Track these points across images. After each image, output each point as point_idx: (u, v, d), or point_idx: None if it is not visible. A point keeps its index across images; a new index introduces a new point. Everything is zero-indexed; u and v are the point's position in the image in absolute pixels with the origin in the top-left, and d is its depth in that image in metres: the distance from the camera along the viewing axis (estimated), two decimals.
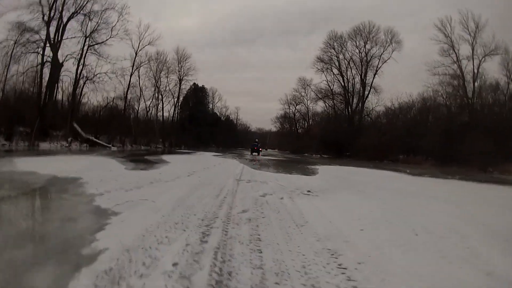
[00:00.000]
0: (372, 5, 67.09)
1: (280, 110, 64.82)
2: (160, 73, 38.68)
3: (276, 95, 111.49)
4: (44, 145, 23.21)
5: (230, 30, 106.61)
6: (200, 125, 45.98)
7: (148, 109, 37.74)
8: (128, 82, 32.46)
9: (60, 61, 27.33)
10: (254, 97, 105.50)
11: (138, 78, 36.14)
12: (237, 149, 61.77)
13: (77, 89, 28.54)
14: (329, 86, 42.38)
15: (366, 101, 38.87)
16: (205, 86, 50.26)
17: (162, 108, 40.59)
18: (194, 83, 48.05)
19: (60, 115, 28.04)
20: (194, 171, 9.45)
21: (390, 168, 18.48)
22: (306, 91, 49.94)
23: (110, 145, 26.63)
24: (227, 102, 71.79)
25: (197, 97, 48.63)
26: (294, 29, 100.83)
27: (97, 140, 26.59)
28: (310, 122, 53.49)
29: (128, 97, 32.94)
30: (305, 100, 51.35)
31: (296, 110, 57.55)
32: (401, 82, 48.25)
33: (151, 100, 38.43)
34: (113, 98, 29.21)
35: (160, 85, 39.68)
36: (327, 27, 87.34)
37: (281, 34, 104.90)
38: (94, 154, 17.23)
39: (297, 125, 59.63)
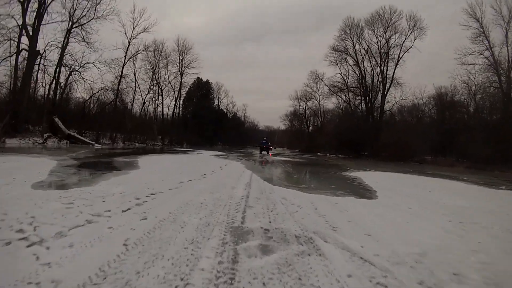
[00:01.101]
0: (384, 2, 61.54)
1: (290, 107, 59.85)
2: (158, 63, 34.10)
3: (284, 93, 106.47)
4: (12, 142, 18.81)
5: (236, 28, 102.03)
6: (204, 121, 41.40)
7: (144, 102, 33.23)
8: (120, 73, 27.90)
9: (41, 49, 22.98)
10: (261, 95, 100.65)
11: (133, 69, 31.74)
12: (245, 147, 57.19)
13: (59, 79, 24.15)
14: (343, 79, 37.32)
15: (387, 94, 33.60)
16: (210, 81, 45.47)
17: (162, 102, 36.06)
18: (198, 77, 43.50)
19: (39, 109, 23.76)
20: (155, 193, 4.69)
21: (439, 174, 13.73)
22: (318, 86, 44.94)
23: (93, 142, 22.07)
24: (233, 98, 67.27)
25: (201, 92, 43.97)
26: (302, 25, 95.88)
27: (79, 137, 22.07)
28: (322, 120, 48.40)
29: (121, 89, 28.41)
30: (317, 95, 46.32)
31: (307, 107, 52.56)
32: (423, 74, 42.78)
33: (148, 93, 33.98)
34: (99, 90, 24.60)
35: (159, 78, 35.14)
36: (335, 23, 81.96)
37: (288, 31, 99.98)
38: (57, 153, 12.67)
39: (308, 122, 54.74)
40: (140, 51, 30.17)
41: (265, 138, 34.35)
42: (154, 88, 33.93)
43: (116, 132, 26.55)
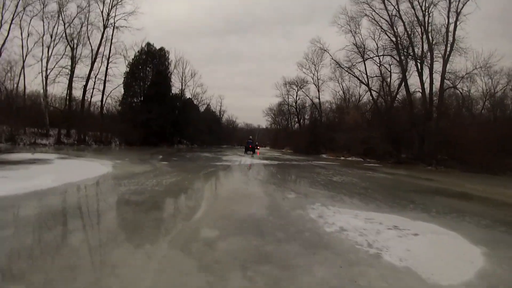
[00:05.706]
0: None
1: (277, 97, 44.92)
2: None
3: (266, 90, 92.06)
4: None
5: (222, 17, 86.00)
6: (157, 109, 25.41)
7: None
8: None
9: None
10: (244, 92, 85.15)
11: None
12: (220, 147, 41.81)
13: None
14: (358, 51, 22.80)
15: (448, 63, 19.32)
16: (166, 49, 29.05)
17: (71, 74, 19.50)
18: (148, 43, 27.25)
19: None
20: None
21: None
22: (317, 67, 30.22)
23: None
24: (201, 79, 51.12)
25: (152, 65, 27.62)
26: (291, 17, 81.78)
27: None
28: (320, 111, 33.76)
29: None
30: (315, 78, 31.60)
31: (298, 97, 37.95)
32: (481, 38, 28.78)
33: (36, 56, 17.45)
34: None
35: (70, 31, 18.65)
36: (326, 15, 68.25)
37: (276, 23, 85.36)
38: None
39: (299, 116, 40.19)
40: None
41: (250, 137, 24.67)
42: (50, 45, 17.53)
43: None
